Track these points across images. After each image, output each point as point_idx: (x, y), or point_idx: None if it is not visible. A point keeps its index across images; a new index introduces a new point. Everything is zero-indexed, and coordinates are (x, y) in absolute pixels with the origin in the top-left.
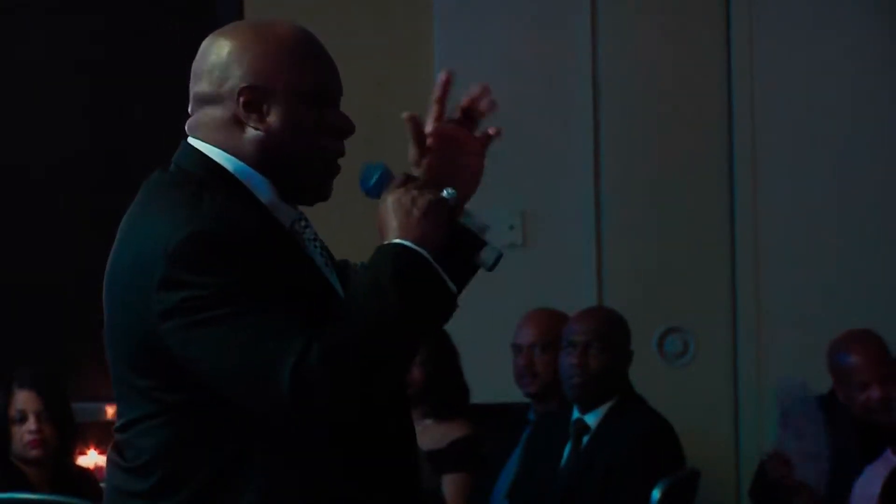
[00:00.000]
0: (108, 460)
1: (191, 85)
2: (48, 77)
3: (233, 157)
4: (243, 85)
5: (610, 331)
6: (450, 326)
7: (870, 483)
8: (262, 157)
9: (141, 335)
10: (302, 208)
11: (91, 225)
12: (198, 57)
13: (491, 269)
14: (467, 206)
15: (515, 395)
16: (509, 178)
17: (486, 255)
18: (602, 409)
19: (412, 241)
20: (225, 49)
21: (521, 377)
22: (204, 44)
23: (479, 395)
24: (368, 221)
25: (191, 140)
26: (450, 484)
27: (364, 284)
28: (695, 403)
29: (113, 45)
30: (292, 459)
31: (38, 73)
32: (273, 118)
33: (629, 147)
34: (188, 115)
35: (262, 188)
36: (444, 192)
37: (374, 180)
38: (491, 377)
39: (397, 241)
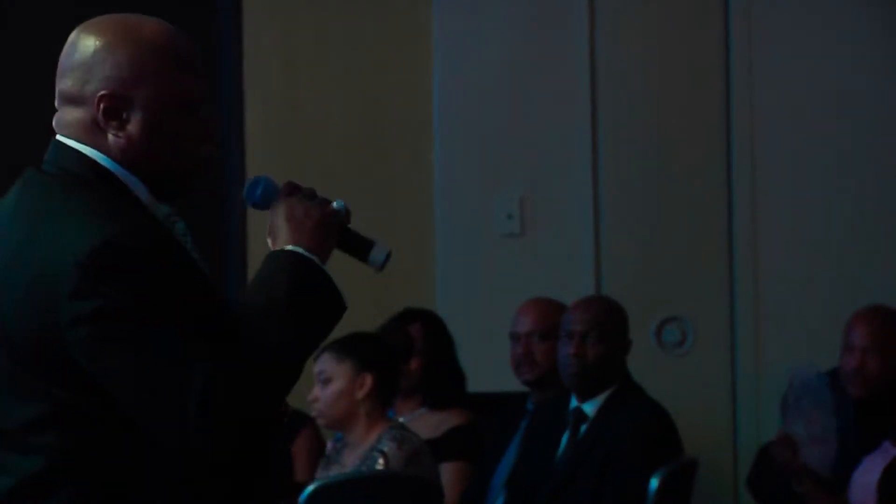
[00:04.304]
0: None
1: (56, 79)
2: (42, 70)
3: (107, 158)
4: (103, 92)
5: (608, 320)
6: (449, 315)
7: (868, 474)
8: (126, 162)
9: (43, 341)
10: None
11: None
12: (65, 51)
13: (381, 268)
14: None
15: (514, 383)
16: (507, 167)
17: (375, 255)
18: (600, 398)
19: (305, 249)
20: (90, 48)
21: (519, 365)
22: (72, 36)
23: (478, 383)
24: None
25: (61, 139)
26: (448, 472)
27: (260, 297)
28: (693, 392)
29: None
30: (185, 475)
31: (32, 65)
32: (133, 127)
33: (627, 135)
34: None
35: (139, 188)
36: (335, 203)
37: (259, 191)
38: (489, 366)
39: (290, 247)
